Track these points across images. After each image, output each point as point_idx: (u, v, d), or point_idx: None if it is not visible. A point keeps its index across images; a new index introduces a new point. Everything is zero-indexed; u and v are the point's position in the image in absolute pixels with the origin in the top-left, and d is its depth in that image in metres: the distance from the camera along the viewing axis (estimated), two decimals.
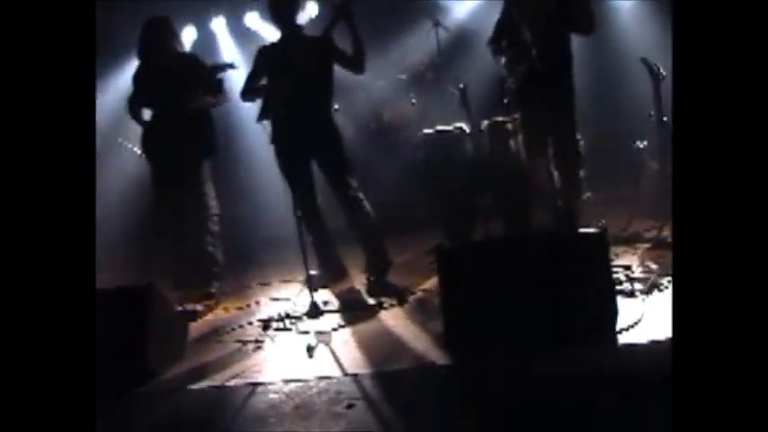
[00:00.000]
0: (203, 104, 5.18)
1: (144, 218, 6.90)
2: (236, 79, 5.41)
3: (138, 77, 5.28)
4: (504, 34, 4.87)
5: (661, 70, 4.74)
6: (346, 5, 4.50)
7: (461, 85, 4.93)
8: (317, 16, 7.56)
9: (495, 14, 5.02)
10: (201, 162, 5.26)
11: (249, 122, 5.22)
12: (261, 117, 4.67)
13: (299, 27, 4.92)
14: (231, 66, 5.42)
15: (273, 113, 4.66)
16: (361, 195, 4.88)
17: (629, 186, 5.76)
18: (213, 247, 5.28)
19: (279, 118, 4.69)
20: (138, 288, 3.74)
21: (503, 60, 4.91)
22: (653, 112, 4.85)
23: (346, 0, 4.49)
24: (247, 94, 4.92)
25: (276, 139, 4.78)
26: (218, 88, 5.26)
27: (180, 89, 5.11)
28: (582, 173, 4.96)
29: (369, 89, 7.24)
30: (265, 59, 4.93)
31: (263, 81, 4.92)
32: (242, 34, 8.41)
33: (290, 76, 4.66)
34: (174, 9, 7.74)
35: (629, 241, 4.81)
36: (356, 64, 4.74)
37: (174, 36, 5.35)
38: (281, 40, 4.95)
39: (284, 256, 5.64)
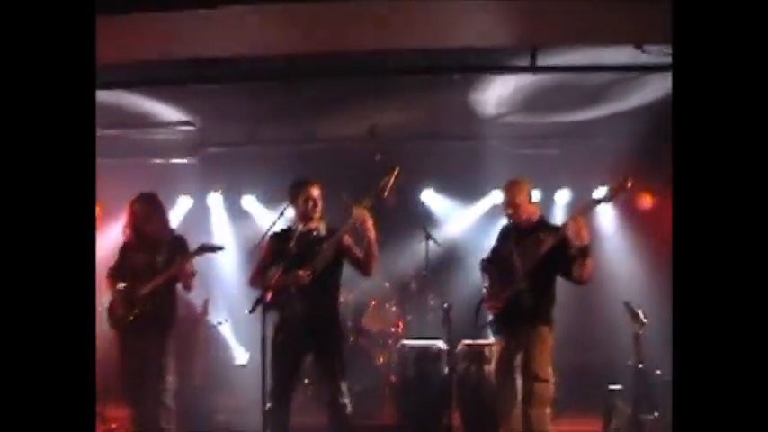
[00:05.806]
0: (175, 277, 5.21)
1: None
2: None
3: (124, 249, 5.36)
4: (497, 258, 4.98)
5: (642, 316, 4.83)
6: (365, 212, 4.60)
7: (446, 305, 4.99)
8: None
9: (486, 236, 5.12)
10: (164, 335, 5.21)
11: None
12: (256, 307, 4.57)
13: (314, 220, 4.87)
14: (220, 248, 5.41)
15: (283, 304, 4.63)
16: (347, 401, 4.70)
17: (598, 427, 5.67)
18: (167, 423, 5.13)
19: (288, 309, 4.66)
20: None
21: (487, 281, 4.99)
22: (632, 359, 4.86)
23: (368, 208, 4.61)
24: (258, 280, 4.82)
25: (281, 328, 4.72)
26: (192, 273, 5.29)
27: (160, 264, 5.17)
28: (548, 410, 4.85)
29: (352, 288, 7.19)
30: (279, 248, 4.82)
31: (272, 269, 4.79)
32: (236, 214, 8.59)
33: (305, 269, 4.63)
34: (171, 179, 8.02)
35: None
36: (366, 267, 4.75)
37: (163, 211, 5.44)
38: (295, 231, 4.85)
39: None
